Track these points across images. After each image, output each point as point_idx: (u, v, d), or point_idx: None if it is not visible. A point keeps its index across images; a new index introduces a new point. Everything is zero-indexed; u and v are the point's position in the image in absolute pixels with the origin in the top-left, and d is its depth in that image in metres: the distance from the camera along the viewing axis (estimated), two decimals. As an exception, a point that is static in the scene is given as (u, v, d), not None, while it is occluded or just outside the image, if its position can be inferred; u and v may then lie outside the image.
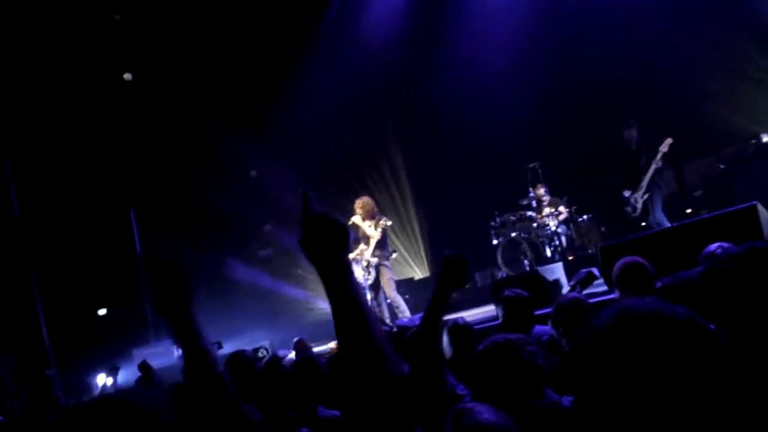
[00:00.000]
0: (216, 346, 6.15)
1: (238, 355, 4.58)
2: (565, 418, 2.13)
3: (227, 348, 8.40)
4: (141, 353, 11.25)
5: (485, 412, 1.65)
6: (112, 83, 13.23)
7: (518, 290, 4.31)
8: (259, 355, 7.91)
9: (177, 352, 11.89)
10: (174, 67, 12.94)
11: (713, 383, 0.94)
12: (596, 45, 10.77)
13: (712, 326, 0.99)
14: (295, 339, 7.77)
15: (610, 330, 1.00)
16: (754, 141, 9.22)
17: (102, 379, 9.68)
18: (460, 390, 2.59)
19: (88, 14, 12.20)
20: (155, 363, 11.01)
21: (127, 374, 10.45)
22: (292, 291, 14.07)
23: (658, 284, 3.63)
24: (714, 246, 3.76)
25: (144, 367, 6.61)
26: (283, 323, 13.08)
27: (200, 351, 1.69)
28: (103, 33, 12.41)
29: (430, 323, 2.52)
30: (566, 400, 2.21)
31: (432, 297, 2.55)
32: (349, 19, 13.34)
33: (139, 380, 6.89)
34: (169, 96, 12.99)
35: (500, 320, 4.29)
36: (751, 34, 9.60)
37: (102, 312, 14.03)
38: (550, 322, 3.80)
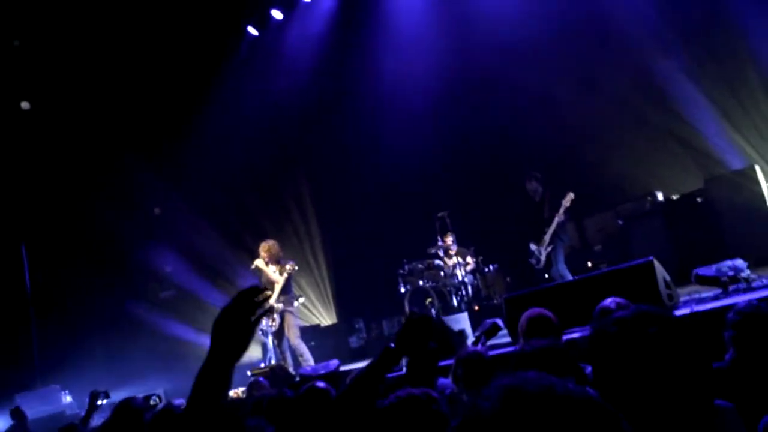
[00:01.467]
0: (102, 395, 5.72)
1: (126, 404, 4.30)
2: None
3: (121, 395, 7.93)
4: (25, 398, 10.52)
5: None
6: (8, 112, 12.61)
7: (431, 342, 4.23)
8: (151, 403, 7.49)
9: (64, 399, 11.18)
10: (76, 96, 12.47)
11: None
12: (505, 98, 11.10)
13: (611, 408, 0.93)
14: None
15: (500, 414, 0.91)
16: (649, 198, 9.63)
17: None
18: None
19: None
20: (40, 410, 10.34)
21: (7, 422, 9.70)
22: (192, 335, 13.55)
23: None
24: (609, 301, 3.83)
25: (16, 413, 6.03)
26: (182, 369, 12.54)
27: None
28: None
29: (367, 385, 2.24)
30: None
31: (380, 354, 2.29)
32: (263, 53, 13.30)
33: (11, 428, 6.37)
34: (70, 126, 12.49)
35: (404, 371, 4.19)
36: (649, 92, 10.11)
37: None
38: (450, 376, 3.73)
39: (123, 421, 4.29)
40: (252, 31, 13.34)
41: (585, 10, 10.43)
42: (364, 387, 2.27)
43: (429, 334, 2.27)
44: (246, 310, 1.67)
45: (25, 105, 12.86)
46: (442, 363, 4.58)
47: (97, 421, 5.94)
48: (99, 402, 5.57)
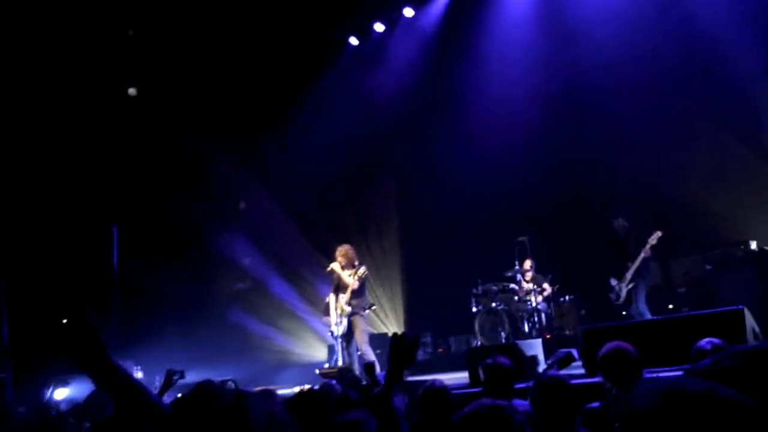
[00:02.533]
0: (178, 374, 5.91)
1: (207, 384, 4.47)
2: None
3: (190, 378, 8.19)
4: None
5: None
6: (116, 97, 13.25)
7: (502, 358, 4.24)
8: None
9: (137, 374, 11.64)
10: (180, 86, 13.00)
11: None
12: (601, 129, 10.95)
13: None
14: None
15: (659, 410, 0.93)
16: (742, 246, 9.30)
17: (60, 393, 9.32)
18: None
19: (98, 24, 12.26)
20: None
21: (82, 389, 10.16)
22: (263, 328, 13.86)
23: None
24: (704, 342, 3.73)
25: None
26: (251, 359, 12.85)
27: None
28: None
29: (384, 400, 2.54)
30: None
31: (386, 375, 2.62)
32: (361, 66, 13.57)
33: (94, 393, 6.61)
34: (171, 116, 13.01)
35: (482, 387, 4.20)
36: (754, 139, 9.79)
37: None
38: (529, 399, 3.71)
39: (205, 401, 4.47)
40: (353, 41, 13.63)
41: (693, 47, 10.22)
42: (384, 407, 2.57)
43: (412, 351, 2.59)
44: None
45: (132, 91, 13.47)
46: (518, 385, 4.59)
47: (168, 398, 6.16)
48: (174, 379, 5.76)
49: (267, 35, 12.76)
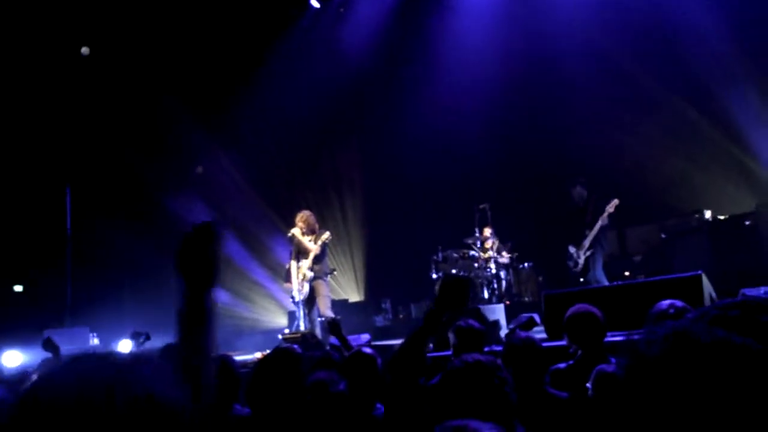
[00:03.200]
0: (143, 337, 5.82)
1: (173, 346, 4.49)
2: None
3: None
4: (54, 335, 10.72)
5: (485, 429, 1.53)
6: (68, 56, 12.80)
7: (471, 321, 4.28)
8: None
9: (91, 340, 11.43)
10: (136, 45, 12.62)
11: None
12: (562, 101, 11.05)
13: None
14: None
15: (670, 358, 0.91)
16: (697, 215, 9.54)
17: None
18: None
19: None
20: (67, 348, 10.54)
21: (36, 356, 9.95)
22: (221, 295, 13.72)
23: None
24: (665, 304, 3.77)
25: (49, 344, 5.91)
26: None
27: (204, 332, 1.56)
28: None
29: (416, 346, 2.40)
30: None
31: (424, 317, 2.45)
32: (323, 30, 13.36)
33: (47, 361, 6.43)
34: (126, 76, 12.65)
35: (451, 350, 4.24)
36: (708, 111, 10.01)
37: (18, 289, 13.38)
38: (500, 359, 3.75)
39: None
40: (314, 2, 13.39)
41: (652, 28, 10.36)
42: (412, 349, 2.38)
43: (465, 293, 2.36)
44: (209, 240, 1.64)
45: (85, 50, 13.00)
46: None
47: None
48: (140, 341, 5.67)
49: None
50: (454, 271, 10.78)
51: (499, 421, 2.13)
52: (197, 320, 1.60)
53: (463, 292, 2.38)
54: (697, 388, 0.87)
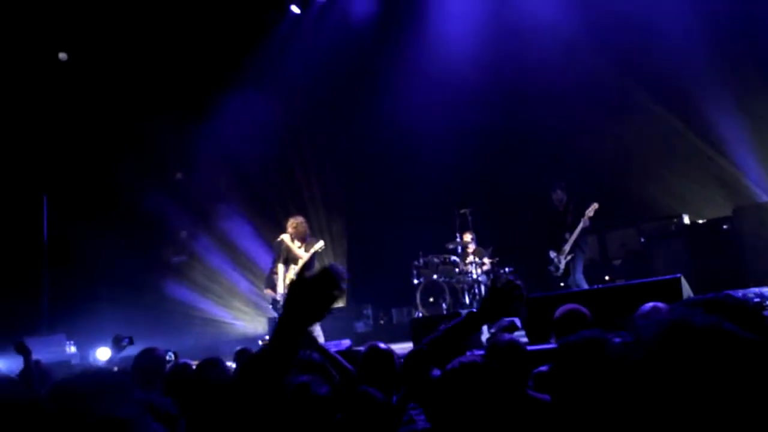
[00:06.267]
0: (126, 340, 5.75)
1: (150, 351, 4.55)
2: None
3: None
4: (31, 343, 10.56)
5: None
6: (45, 61, 12.67)
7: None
8: (167, 359, 7.50)
9: (68, 348, 11.27)
10: (114, 52, 12.52)
11: None
12: (541, 108, 11.10)
13: None
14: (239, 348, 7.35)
15: (666, 344, 0.92)
16: (675, 220, 9.63)
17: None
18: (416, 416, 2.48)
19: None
20: (45, 356, 10.38)
21: (11, 364, 9.78)
22: (200, 302, 13.63)
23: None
24: (648, 306, 3.80)
25: (22, 348, 5.77)
26: (187, 333, 12.63)
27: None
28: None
29: (445, 344, 2.39)
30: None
31: (465, 317, 2.42)
32: (303, 31, 13.35)
33: (24, 370, 6.30)
34: (103, 82, 12.54)
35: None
36: (687, 117, 10.12)
37: (-8, 296, 13.17)
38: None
39: (146, 364, 4.47)
40: (294, 9, 13.38)
41: (632, 34, 10.45)
42: (447, 343, 2.35)
43: (512, 301, 2.29)
44: (331, 285, 1.69)
45: (62, 56, 12.89)
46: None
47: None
48: (123, 345, 5.60)
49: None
50: (435, 276, 10.76)
51: (494, 418, 2.13)
52: (288, 350, 1.68)
53: (511, 301, 2.33)
54: (693, 371, 0.90)
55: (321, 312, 1.69)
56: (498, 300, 2.33)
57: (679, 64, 10.04)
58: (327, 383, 3.77)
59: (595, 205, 9.03)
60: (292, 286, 1.70)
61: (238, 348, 5.84)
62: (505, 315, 2.30)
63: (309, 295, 1.70)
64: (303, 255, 8.80)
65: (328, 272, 1.69)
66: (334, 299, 1.70)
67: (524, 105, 11.45)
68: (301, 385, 3.20)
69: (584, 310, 4.02)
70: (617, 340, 1.94)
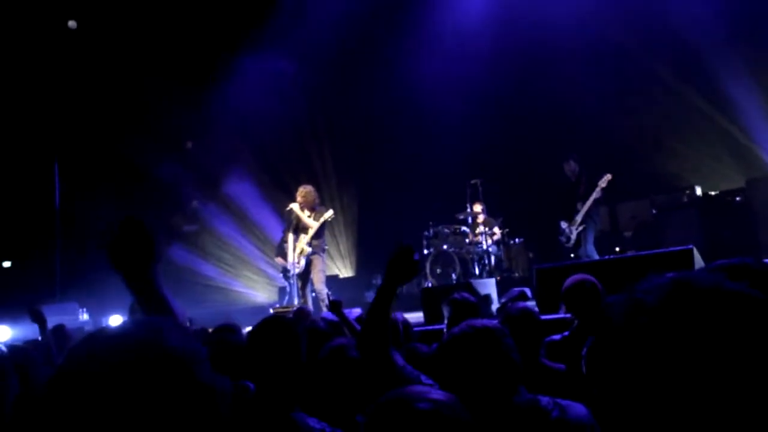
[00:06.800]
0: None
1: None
2: (545, 418, 2.07)
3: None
4: (44, 310, 10.67)
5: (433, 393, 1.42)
6: (56, 29, 12.60)
7: (465, 294, 4.28)
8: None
9: (81, 316, 11.39)
10: (126, 20, 12.44)
11: None
12: (555, 77, 11.02)
13: None
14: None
15: (668, 306, 0.90)
16: (688, 191, 9.57)
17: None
18: (425, 380, 2.48)
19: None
20: (57, 321, 10.52)
21: (26, 331, 9.90)
22: (211, 270, 13.71)
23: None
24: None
25: (35, 314, 5.69)
26: (199, 301, 12.73)
27: (164, 309, 1.67)
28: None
29: (374, 317, 2.39)
30: (544, 400, 2.15)
31: (378, 290, 2.44)
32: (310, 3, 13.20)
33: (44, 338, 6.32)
34: (115, 50, 12.48)
35: (446, 322, 4.24)
36: (701, 89, 10.01)
37: (6, 264, 13.30)
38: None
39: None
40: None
41: (643, 5, 10.31)
42: (376, 323, 2.39)
43: (411, 262, 2.37)
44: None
45: (72, 24, 12.82)
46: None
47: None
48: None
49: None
50: (445, 247, 10.78)
51: (505, 387, 2.14)
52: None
53: (411, 261, 2.36)
54: (697, 332, 0.87)
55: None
56: (397, 262, 2.37)
57: (694, 36, 9.92)
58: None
59: (608, 176, 8.98)
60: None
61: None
62: (407, 277, 2.37)
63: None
64: (312, 224, 8.82)
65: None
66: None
67: (537, 76, 11.37)
68: (337, 348, 3.22)
69: (594, 279, 4.01)
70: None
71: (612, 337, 0.96)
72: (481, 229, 10.78)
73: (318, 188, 11.70)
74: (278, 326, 2.62)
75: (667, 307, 0.91)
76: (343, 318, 4.47)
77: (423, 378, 2.44)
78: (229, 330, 3.93)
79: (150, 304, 1.67)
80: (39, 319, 5.69)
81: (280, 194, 12.38)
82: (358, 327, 4.29)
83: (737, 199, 9.08)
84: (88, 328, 11.14)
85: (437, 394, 1.37)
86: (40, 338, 5.86)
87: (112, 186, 12.85)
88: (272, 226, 12.55)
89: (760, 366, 0.86)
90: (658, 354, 0.89)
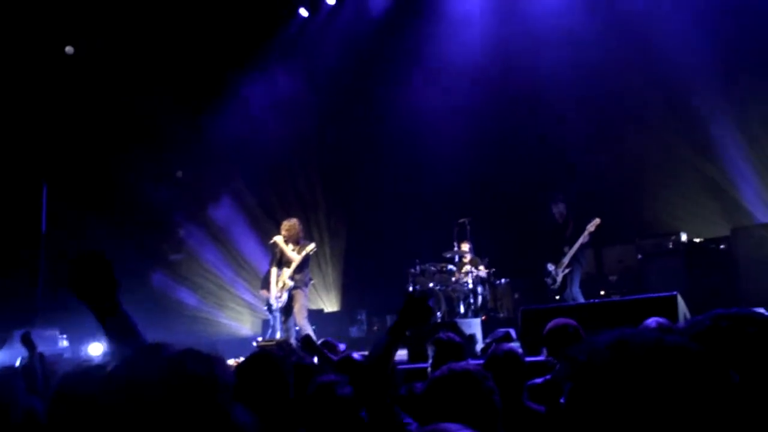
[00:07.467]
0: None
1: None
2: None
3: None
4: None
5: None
6: (52, 54, 12.67)
7: (451, 334, 4.28)
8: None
9: (61, 342, 11.23)
10: (121, 47, 12.52)
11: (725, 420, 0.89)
12: (542, 120, 11.20)
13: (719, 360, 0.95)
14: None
15: (612, 365, 0.94)
16: (673, 237, 9.65)
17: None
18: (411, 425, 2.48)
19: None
20: (38, 349, 10.37)
21: (5, 356, 9.77)
22: (194, 300, 13.62)
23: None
24: (650, 321, 3.83)
25: (27, 340, 5.63)
26: (182, 331, 12.61)
27: (130, 333, 1.81)
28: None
29: (383, 360, 2.41)
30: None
31: (388, 332, 2.48)
32: (311, 34, 13.38)
33: (28, 362, 6.22)
34: (109, 76, 12.54)
35: (430, 361, 4.23)
36: (689, 136, 10.17)
37: (-14, 286, 13.12)
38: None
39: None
40: (303, 12, 13.40)
41: (634, 49, 10.52)
42: (380, 363, 2.40)
43: (428, 308, 2.47)
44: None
45: (69, 49, 12.91)
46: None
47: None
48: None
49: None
50: (431, 284, 10.77)
51: (485, 429, 2.14)
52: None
53: (426, 307, 2.45)
54: (640, 389, 0.90)
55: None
56: (412, 308, 2.45)
57: (681, 83, 10.10)
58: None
59: (597, 221, 9.06)
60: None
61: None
62: (420, 323, 2.43)
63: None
64: (295, 257, 8.83)
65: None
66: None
67: (526, 118, 11.52)
68: (325, 385, 3.21)
69: (575, 323, 4.05)
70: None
71: (568, 395, 1.00)
72: (467, 268, 10.78)
73: (306, 222, 11.71)
74: (266, 362, 2.61)
75: (610, 368, 0.94)
76: (318, 351, 4.46)
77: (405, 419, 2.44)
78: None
79: (116, 329, 1.78)
80: (29, 345, 5.64)
81: (268, 225, 12.37)
82: (335, 358, 4.27)
83: (721, 247, 9.18)
84: (67, 355, 10.98)
85: None
86: (26, 364, 5.80)
87: (99, 211, 12.79)
88: (259, 258, 12.52)
89: (703, 417, 0.89)
90: (606, 411, 0.93)
